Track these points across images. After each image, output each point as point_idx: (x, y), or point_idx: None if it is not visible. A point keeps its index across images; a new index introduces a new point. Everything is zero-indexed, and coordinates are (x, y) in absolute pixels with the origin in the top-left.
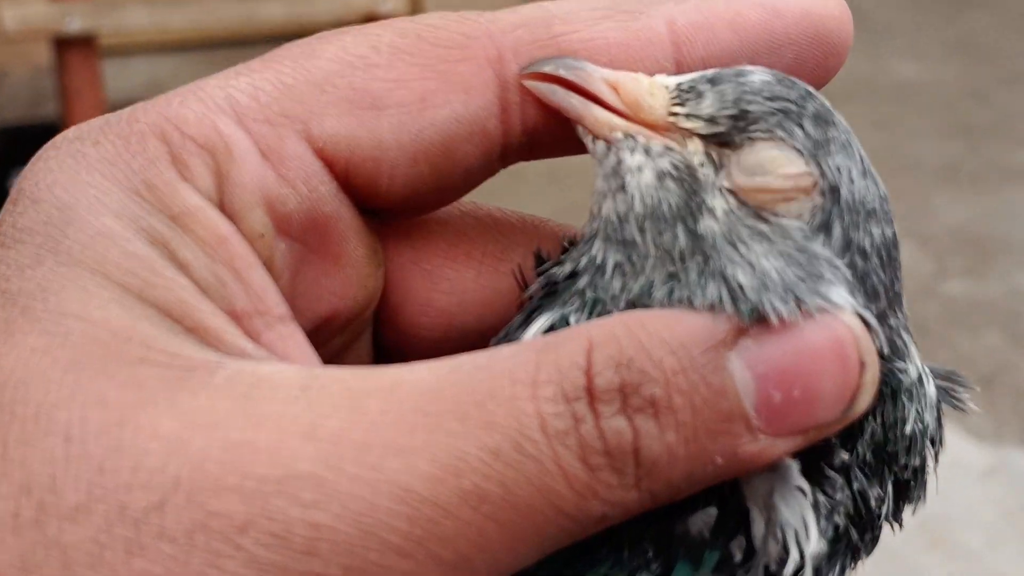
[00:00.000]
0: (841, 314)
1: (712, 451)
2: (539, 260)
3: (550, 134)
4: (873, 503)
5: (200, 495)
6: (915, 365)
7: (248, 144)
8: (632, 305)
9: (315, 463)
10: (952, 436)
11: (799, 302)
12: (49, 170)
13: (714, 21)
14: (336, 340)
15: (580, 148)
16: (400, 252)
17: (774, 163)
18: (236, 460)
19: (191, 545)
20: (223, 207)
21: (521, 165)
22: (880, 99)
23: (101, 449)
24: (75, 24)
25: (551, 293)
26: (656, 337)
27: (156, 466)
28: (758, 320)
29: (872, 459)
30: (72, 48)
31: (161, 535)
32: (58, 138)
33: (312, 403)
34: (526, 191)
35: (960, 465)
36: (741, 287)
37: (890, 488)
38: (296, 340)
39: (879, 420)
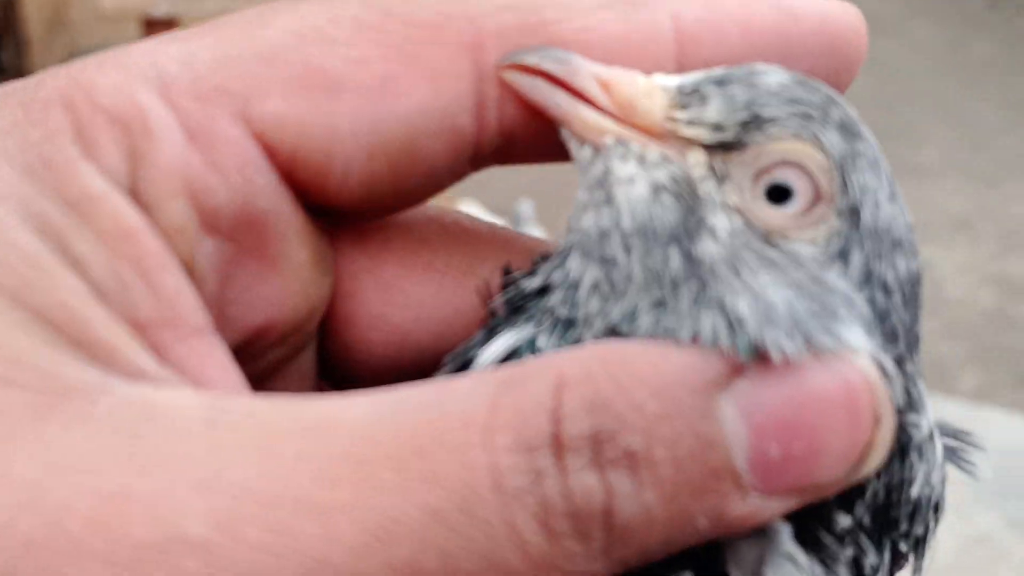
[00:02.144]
0: (855, 358)
1: (694, 512)
2: (508, 276)
3: (530, 136)
4: (868, 573)
5: (56, 562)
6: (927, 419)
7: (171, 121)
8: (610, 332)
9: (207, 523)
10: None
11: (808, 340)
12: None
13: (724, 20)
14: (272, 353)
15: (564, 155)
16: (352, 259)
17: (796, 155)
18: (107, 517)
19: None
20: (136, 195)
21: None
22: None
23: None
24: (161, 8)
25: (518, 309)
26: (638, 376)
27: (3, 522)
28: (757, 358)
29: (871, 523)
30: (157, 28)
31: None
32: None
33: (216, 443)
34: None
35: None
36: (740, 319)
37: (887, 558)
38: (215, 357)
39: (883, 480)
